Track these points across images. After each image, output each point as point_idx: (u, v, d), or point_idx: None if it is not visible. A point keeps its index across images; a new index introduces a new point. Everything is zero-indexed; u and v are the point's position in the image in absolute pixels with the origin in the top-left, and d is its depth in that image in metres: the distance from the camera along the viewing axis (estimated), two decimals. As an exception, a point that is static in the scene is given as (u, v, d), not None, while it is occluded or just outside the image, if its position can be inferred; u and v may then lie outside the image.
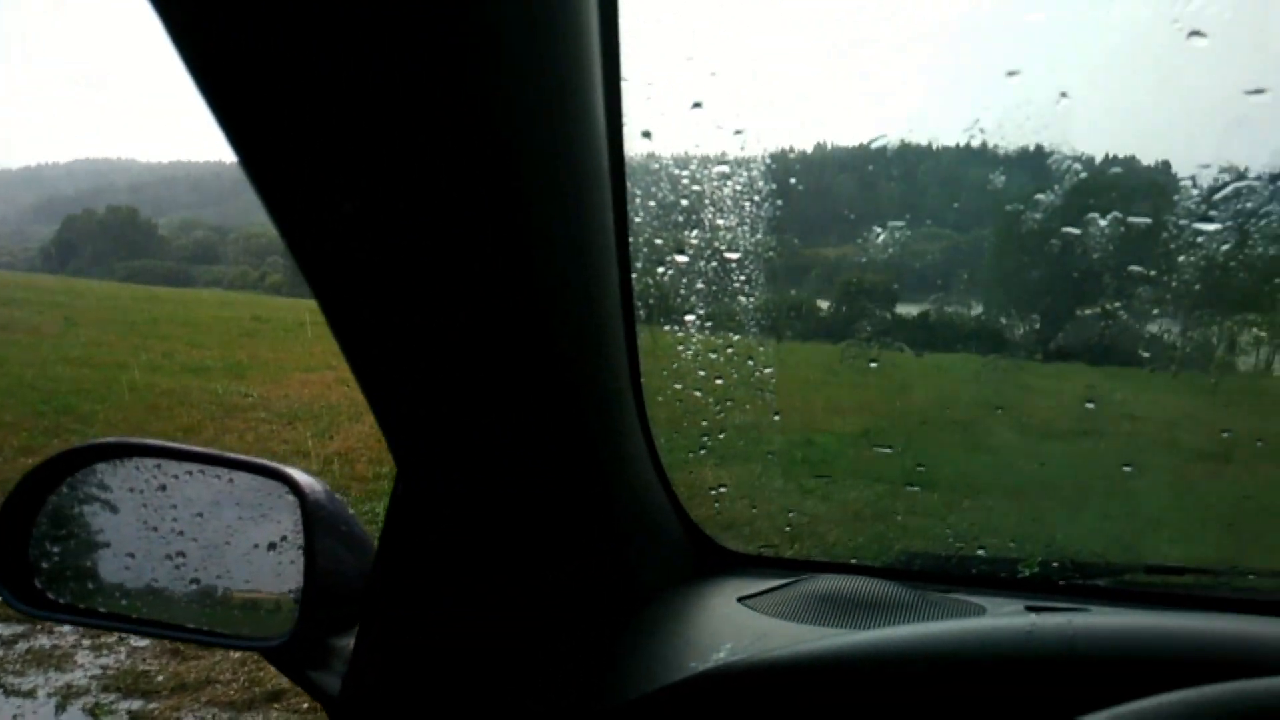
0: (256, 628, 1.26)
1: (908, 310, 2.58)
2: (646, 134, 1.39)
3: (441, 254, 0.79)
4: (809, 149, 2.51)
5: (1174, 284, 2.39)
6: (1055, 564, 1.72)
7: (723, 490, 2.76)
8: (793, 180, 2.47)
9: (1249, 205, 2.20)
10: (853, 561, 1.96)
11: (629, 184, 1.08)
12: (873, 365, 2.97)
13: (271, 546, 1.24)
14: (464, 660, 1.19)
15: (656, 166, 2.07)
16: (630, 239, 1.11)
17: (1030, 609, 1.37)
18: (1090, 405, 2.78)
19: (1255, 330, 2.33)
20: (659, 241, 2.19)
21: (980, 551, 2.24)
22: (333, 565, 1.16)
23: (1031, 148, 2.28)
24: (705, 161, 2.32)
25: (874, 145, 2.77)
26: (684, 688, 1.12)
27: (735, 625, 1.34)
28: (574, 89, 0.78)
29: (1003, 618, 1.14)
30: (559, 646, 1.22)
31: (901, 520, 3.37)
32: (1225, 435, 2.57)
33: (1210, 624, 1.07)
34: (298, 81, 0.63)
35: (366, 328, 0.87)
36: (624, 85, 0.97)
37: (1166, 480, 2.98)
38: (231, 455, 1.28)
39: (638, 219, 1.35)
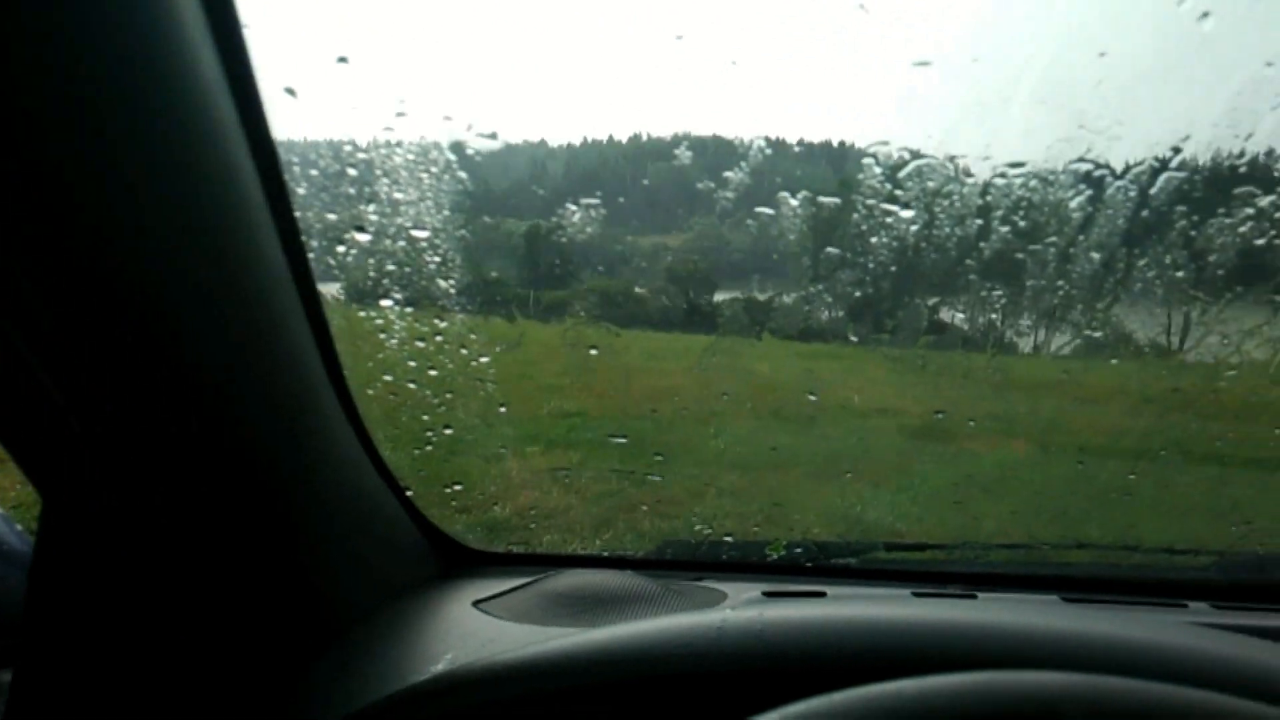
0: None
1: (620, 289, 2.40)
2: (290, 91, 1.23)
3: (32, 251, 0.71)
4: (488, 117, 2.23)
5: (871, 264, 2.30)
6: (799, 547, 1.74)
7: (458, 488, 2.44)
8: (471, 151, 2.19)
9: (930, 184, 2.11)
10: (604, 554, 1.93)
11: (280, 152, 0.97)
12: (593, 352, 2.77)
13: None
14: (133, 697, 1.08)
15: (311, 130, 1.77)
16: (297, 214, 1.01)
17: (767, 594, 1.44)
18: (812, 397, 2.72)
19: (954, 311, 2.28)
20: (332, 217, 1.90)
21: (728, 538, 2.19)
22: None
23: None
24: (368, 127, 2.04)
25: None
26: (386, 706, 1.06)
27: (464, 632, 1.29)
28: (164, 36, 0.69)
29: (698, 614, 1.09)
30: (245, 673, 1.13)
31: (648, 510, 3.22)
32: (939, 416, 2.59)
33: (910, 612, 1.05)
34: None
35: None
36: (246, 33, 0.86)
37: (892, 461, 2.99)
38: None
39: (302, 190, 1.19)
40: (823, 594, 1.45)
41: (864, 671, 0.71)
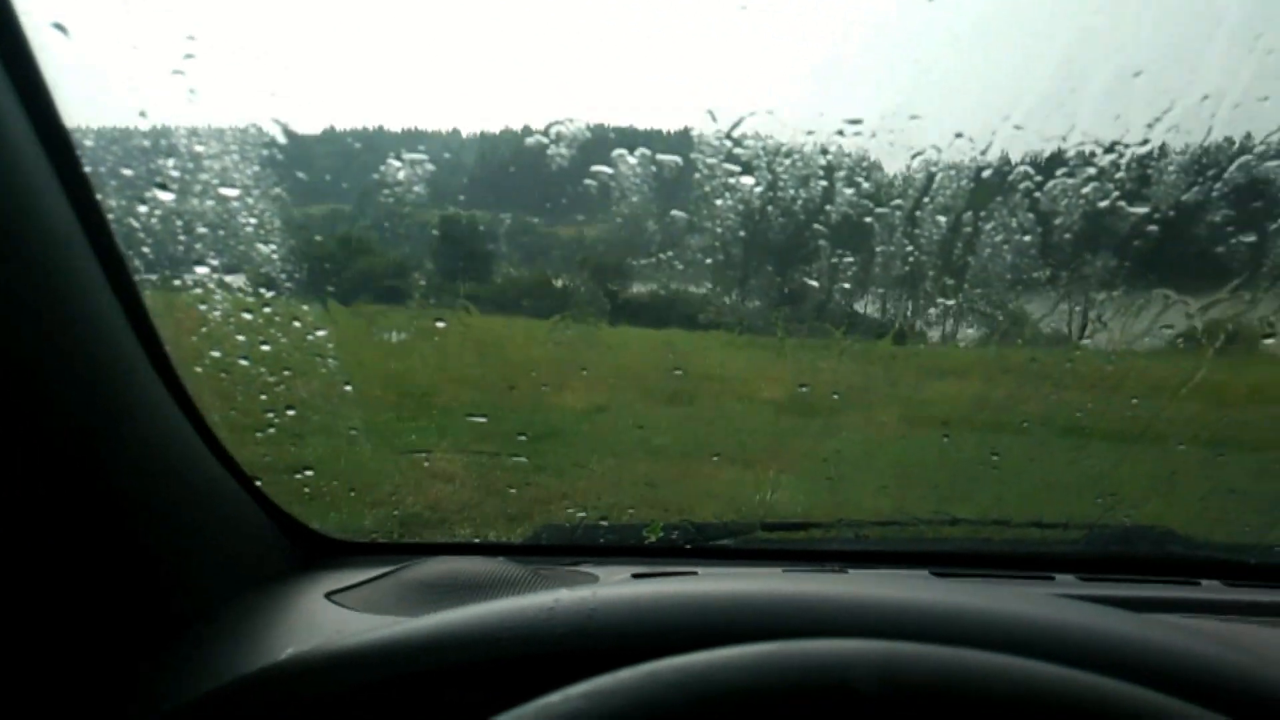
0: None
1: (469, 267, 2.25)
2: (60, 27, 1.09)
3: None
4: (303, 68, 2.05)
5: (719, 229, 2.19)
6: (676, 529, 1.75)
7: (309, 474, 2.30)
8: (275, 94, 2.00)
9: (770, 143, 2.01)
10: (475, 541, 1.90)
11: (52, 91, 0.87)
12: (440, 324, 2.61)
13: None
14: None
15: (90, 75, 1.55)
16: (86, 169, 0.91)
17: (637, 576, 1.42)
18: (678, 372, 2.63)
19: (806, 280, 2.19)
20: (127, 171, 1.72)
21: (604, 522, 2.18)
22: None
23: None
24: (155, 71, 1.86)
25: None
26: (206, 700, 1.02)
27: (312, 624, 1.26)
28: None
29: (531, 597, 1.05)
30: (74, 669, 1.07)
31: (516, 494, 3.08)
32: (803, 390, 2.52)
33: (747, 586, 1.02)
34: None
35: None
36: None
37: (761, 439, 2.93)
38: None
39: (90, 144, 1.08)
40: (694, 574, 1.43)
41: (691, 648, 0.70)
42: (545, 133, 1.99)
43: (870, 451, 2.94)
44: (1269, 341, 2.28)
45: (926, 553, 1.77)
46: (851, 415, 2.71)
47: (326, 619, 1.29)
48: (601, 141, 1.99)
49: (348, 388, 2.51)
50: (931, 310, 2.33)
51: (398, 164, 2.11)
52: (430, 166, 2.10)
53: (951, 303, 2.27)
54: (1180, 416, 2.73)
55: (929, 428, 2.76)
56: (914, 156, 1.95)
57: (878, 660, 0.67)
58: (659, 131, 2.12)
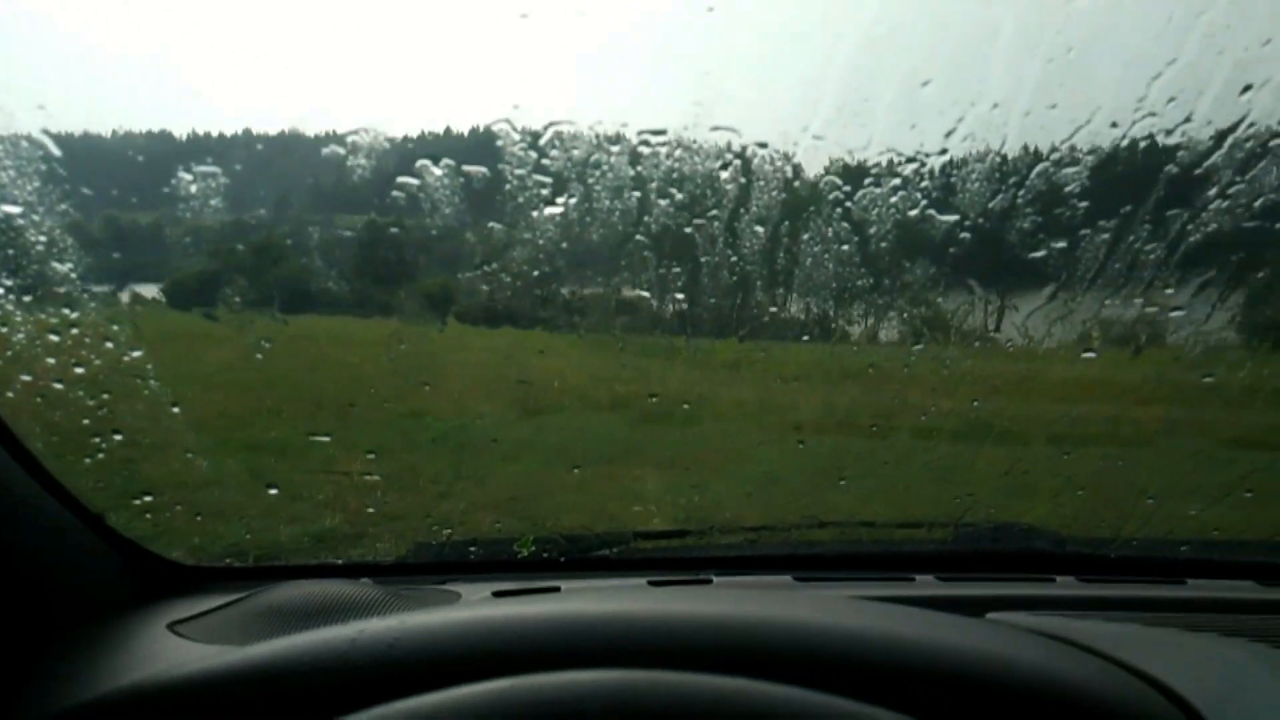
0: None
1: (287, 280, 2.15)
2: None
3: None
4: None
5: (541, 240, 2.13)
6: (549, 543, 1.73)
7: (148, 499, 2.21)
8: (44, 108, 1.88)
9: (576, 153, 1.96)
10: (338, 562, 1.84)
11: None
12: (266, 344, 2.49)
13: None
14: None
15: None
16: None
17: (498, 594, 1.41)
18: (524, 382, 2.57)
19: (638, 290, 2.16)
20: None
21: (473, 539, 2.08)
22: None
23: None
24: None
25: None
26: None
27: (148, 657, 1.22)
28: None
29: (337, 628, 1.02)
30: None
31: (374, 513, 2.98)
32: (653, 400, 2.50)
33: (554, 609, 1.02)
34: None
35: None
36: None
37: (620, 450, 2.89)
38: None
39: None
40: (556, 589, 1.45)
41: (493, 675, 0.72)
42: (343, 141, 1.91)
43: (730, 459, 2.93)
44: (1089, 353, 2.34)
45: (791, 556, 1.78)
46: (704, 425, 2.70)
47: (165, 651, 1.26)
48: (402, 152, 1.92)
49: (175, 409, 2.39)
50: (765, 319, 2.32)
51: (188, 176, 2.00)
52: (224, 180, 1.99)
53: (781, 311, 2.26)
54: (1021, 415, 2.80)
55: (783, 434, 2.77)
56: (723, 166, 1.92)
57: (611, 691, 0.69)
58: (461, 136, 2.06)
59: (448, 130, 2.22)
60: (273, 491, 2.98)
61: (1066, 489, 2.87)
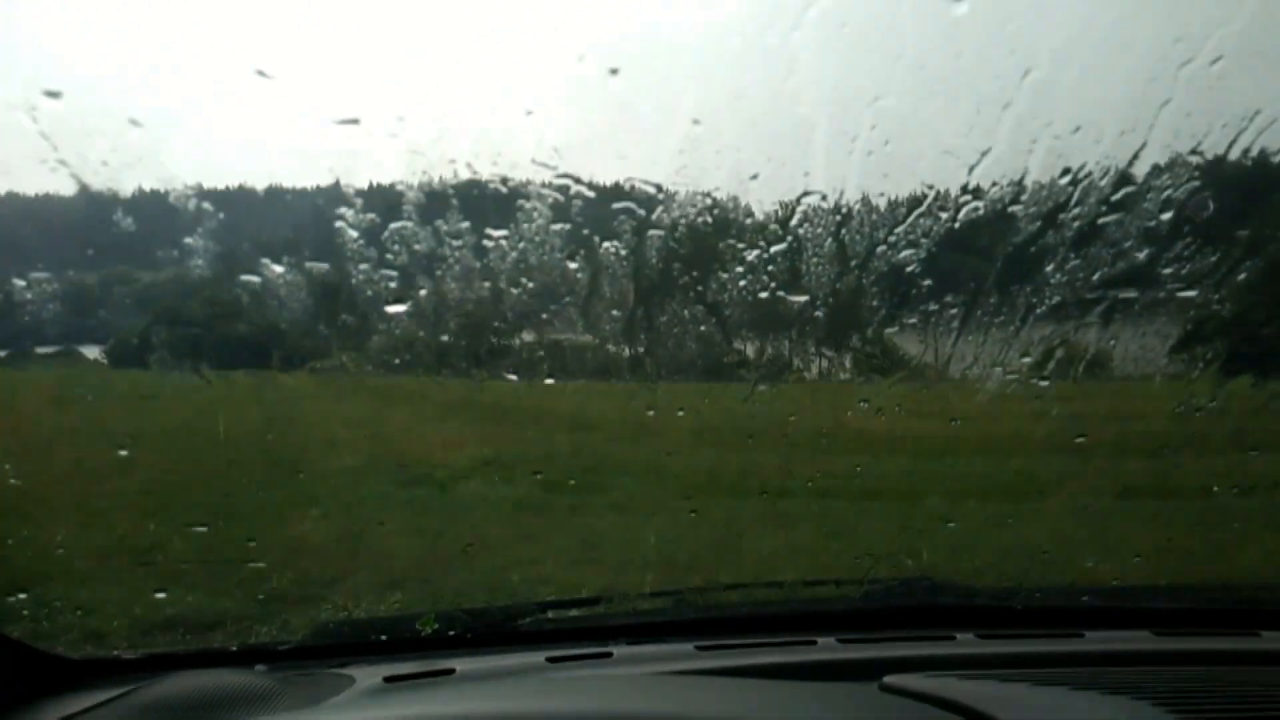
0: None
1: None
2: None
3: None
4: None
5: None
6: (453, 619, 1.67)
7: (23, 596, 2.23)
8: None
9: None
10: (232, 649, 1.77)
11: None
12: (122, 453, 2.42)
13: None
14: None
15: None
16: None
17: (389, 680, 1.37)
18: (404, 467, 2.52)
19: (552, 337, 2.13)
20: None
21: (374, 617, 2.23)
22: None
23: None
24: None
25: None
26: None
27: None
28: None
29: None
30: None
31: (264, 600, 2.89)
32: (538, 477, 2.47)
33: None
34: None
35: None
36: None
37: (507, 528, 2.83)
38: None
39: None
40: (451, 671, 1.43)
41: None
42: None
43: (623, 529, 2.89)
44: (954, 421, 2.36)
45: (696, 621, 1.76)
46: (593, 496, 2.66)
47: None
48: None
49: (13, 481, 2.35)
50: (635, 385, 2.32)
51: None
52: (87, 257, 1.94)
53: (648, 380, 2.26)
54: (899, 471, 2.82)
55: (674, 502, 2.74)
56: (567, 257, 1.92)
57: None
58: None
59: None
60: (158, 594, 2.90)
61: (962, 544, 2.90)
